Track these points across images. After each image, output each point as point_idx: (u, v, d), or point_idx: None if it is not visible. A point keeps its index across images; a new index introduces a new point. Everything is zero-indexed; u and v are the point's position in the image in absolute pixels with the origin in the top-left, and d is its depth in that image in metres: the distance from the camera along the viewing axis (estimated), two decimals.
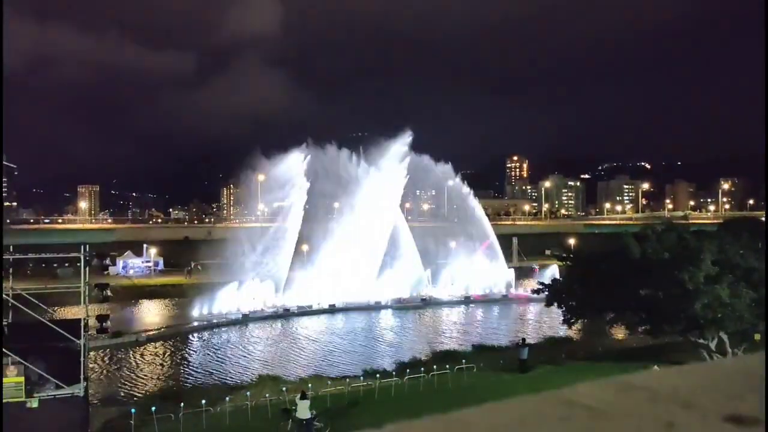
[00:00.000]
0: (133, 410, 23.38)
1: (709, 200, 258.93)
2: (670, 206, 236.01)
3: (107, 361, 38.12)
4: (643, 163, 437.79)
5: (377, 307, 57.42)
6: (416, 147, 73.49)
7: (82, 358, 21.35)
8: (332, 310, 55.52)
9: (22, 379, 20.16)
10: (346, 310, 55.84)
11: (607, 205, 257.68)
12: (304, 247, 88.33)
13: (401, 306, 57.98)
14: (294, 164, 69.16)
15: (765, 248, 28.82)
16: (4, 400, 20.02)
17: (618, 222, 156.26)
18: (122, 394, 31.40)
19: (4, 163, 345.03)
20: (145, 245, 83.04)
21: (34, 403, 20.17)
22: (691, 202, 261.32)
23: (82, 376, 21.21)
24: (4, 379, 20.17)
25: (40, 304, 23.81)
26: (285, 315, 52.75)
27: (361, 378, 28.89)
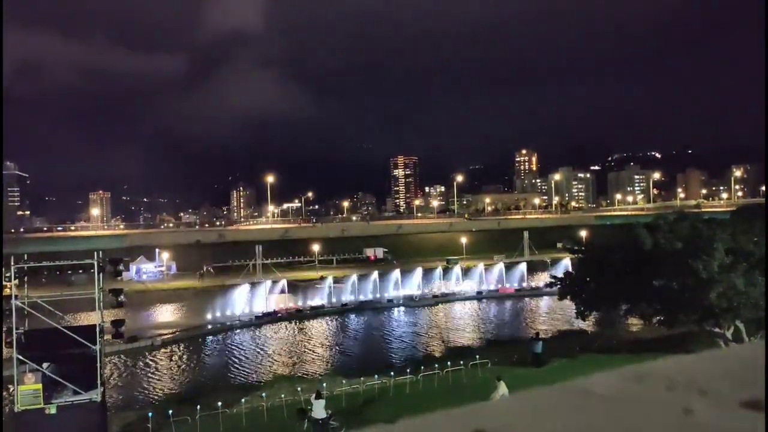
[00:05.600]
0: (150, 414, 23.55)
1: (721, 188, 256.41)
2: (682, 195, 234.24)
3: (123, 366, 38.41)
4: (653, 153, 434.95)
5: (389, 306, 57.43)
6: (424, 143, 73.59)
7: (98, 364, 21.50)
8: (345, 309, 55.60)
9: (39, 386, 20.34)
10: (358, 309, 55.89)
11: (618, 196, 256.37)
12: (315, 247, 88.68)
13: (413, 303, 57.97)
14: (302, 167, 69.57)
15: (766, 237, 28.51)
16: (22, 408, 20.23)
17: (629, 213, 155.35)
18: (139, 398, 31.63)
19: (16, 172, 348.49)
20: (157, 250, 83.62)
21: (52, 410, 20.35)
22: (704, 191, 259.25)
23: (99, 382, 21.36)
24: (22, 387, 20.37)
25: (56, 311, 24.02)
26: (298, 316, 52.87)
27: (376, 376, 28.89)
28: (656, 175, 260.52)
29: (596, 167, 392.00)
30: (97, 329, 22.05)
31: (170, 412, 23.68)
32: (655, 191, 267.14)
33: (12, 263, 22.32)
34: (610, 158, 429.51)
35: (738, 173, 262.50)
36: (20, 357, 20.74)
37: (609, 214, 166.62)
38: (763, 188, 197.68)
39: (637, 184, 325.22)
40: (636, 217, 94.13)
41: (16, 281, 22.54)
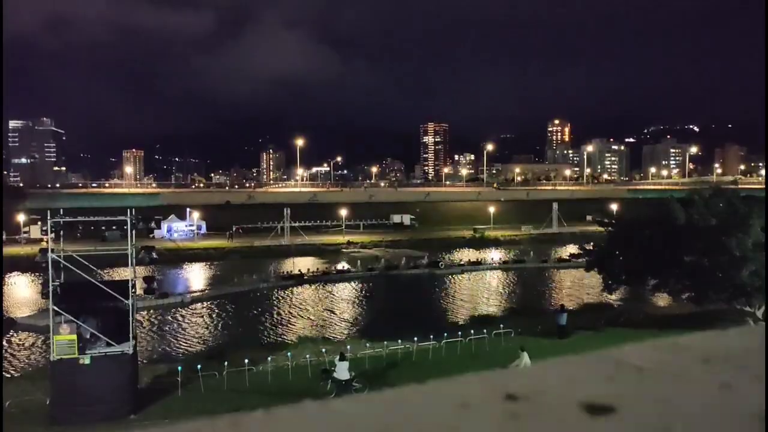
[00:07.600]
0: (179, 367, 24.20)
1: (760, 164, 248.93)
2: (719, 171, 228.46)
3: (154, 321, 39.48)
4: (691, 126, 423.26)
5: (415, 272, 57.63)
6: (455, 111, 72.77)
7: (130, 318, 22.15)
8: (371, 274, 56.02)
9: (74, 337, 21.09)
10: (384, 274, 56.25)
11: (653, 170, 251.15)
12: (342, 212, 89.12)
13: (439, 271, 58.10)
14: (331, 131, 69.47)
15: (766, 232, 27.71)
16: (58, 357, 21.02)
17: (663, 187, 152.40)
18: (169, 352, 32.55)
19: (52, 128, 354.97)
20: (188, 209, 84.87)
21: (86, 360, 21.11)
22: (742, 167, 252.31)
23: (131, 335, 22.04)
24: (58, 337, 21.13)
25: (90, 265, 24.65)
26: (324, 278, 53.47)
27: (399, 341, 29.19)
28: (693, 149, 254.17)
29: (631, 139, 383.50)
30: (130, 284, 22.65)
31: (199, 366, 24.33)
32: (692, 166, 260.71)
33: (48, 217, 22.93)
34: (646, 131, 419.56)
35: None
36: (56, 308, 21.47)
37: (642, 187, 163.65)
38: None
39: (672, 158, 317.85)
40: (670, 191, 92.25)
41: (53, 235, 23.17)
